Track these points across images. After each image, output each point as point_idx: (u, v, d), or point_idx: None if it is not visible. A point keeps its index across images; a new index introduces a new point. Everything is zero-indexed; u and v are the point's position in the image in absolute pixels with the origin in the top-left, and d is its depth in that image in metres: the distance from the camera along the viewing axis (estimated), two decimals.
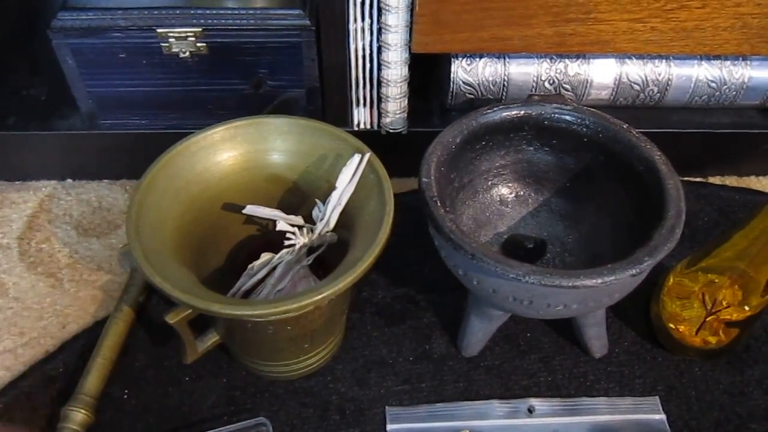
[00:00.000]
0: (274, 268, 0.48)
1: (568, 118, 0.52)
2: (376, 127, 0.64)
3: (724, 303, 0.51)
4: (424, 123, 0.65)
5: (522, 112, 0.52)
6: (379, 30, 0.56)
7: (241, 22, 0.57)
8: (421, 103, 0.66)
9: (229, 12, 0.57)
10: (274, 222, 0.49)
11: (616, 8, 0.53)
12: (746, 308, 0.50)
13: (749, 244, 0.48)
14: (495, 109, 0.52)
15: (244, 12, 0.57)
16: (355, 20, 0.56)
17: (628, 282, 0.43)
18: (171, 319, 0.43)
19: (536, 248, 0.55)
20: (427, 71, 0.66)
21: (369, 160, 0.47)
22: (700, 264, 0.51)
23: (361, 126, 0.64)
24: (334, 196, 0.47)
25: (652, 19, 0.54)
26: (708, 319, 0.51)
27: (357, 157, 0.47)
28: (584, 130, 0.52)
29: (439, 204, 0.46)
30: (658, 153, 0.49)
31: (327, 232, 0.49)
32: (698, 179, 0.71)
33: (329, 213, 0.47)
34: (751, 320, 0.51)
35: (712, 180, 0.71)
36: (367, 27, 0.56)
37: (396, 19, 0.54)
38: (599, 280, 0.41)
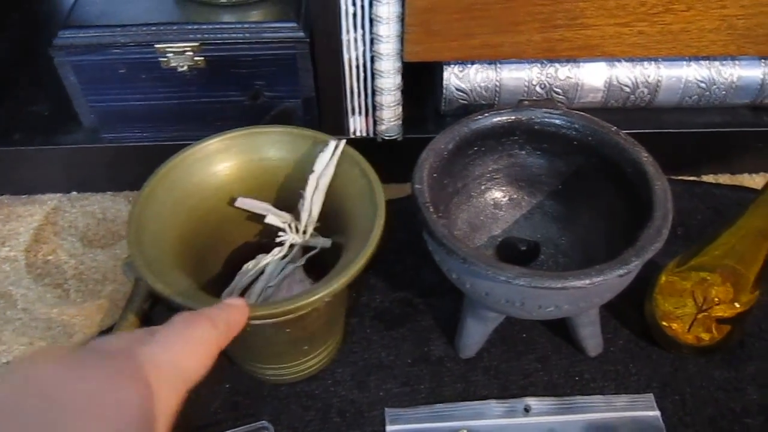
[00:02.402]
0: (266, 267, 0.50)
1: (557, 122, 0.53)
2: (372, 135, 0.65)
3: (715, 300, 0.51)
4: (420, 129, 0.67)
5: (512, 118, 0.54)
6: (372, 40, 0.57)
7: (236, 35, 0.58)
8: (416, 109, 0.67)
9: (225, 26, 0.58)
10: (272, 228, 0.51)
11: (603, 13, 0.54)
12: (736, 305, 0.51)
13: (737, 241, 0.49)
14: (486, 115, 0.53)
15: (239, 26, 0.58)
16: (348, 31, 0.57)
17: (616, 282, 0.44)
18: None
19: (530, 250, 0.56)
20: (421, 78, 0.67)
21: (361, 166, 0.48)
22: (690, 262, 0.52)
23: (357, 134, 0.65)
24: (311, 180, 0.48)
25: (639, 23, 0.55)
26: (699, 317, 0.52)
27: (333, 143, 0.48)
28: (573, 133, 0.53)
29: (431, 209, 0.47)
30: (646, 155, 0.50)
31: (313, 223, 0.50)
32: (692, 178, 0.72)
33: (309, 198, 0.49)
34: (741, 317, 0.52)
35: (705, 179, 0.72)
36: (359, 37, 0.57)
37: (387, 30, 0.56)
38: (587, 281, 0.42)
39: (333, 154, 0.48)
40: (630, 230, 0.49)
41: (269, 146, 0.50)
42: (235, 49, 0.59)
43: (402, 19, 0.55)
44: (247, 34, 0.58)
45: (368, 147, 0.65)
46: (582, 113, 0.53)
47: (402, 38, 0.56)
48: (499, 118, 0.53)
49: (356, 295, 0.60)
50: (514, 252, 0.56)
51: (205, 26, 0.58)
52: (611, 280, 0.43)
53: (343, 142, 0.49)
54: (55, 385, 0.20)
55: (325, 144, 0.49)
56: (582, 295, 0.45)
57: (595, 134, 0.53)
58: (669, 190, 0.48)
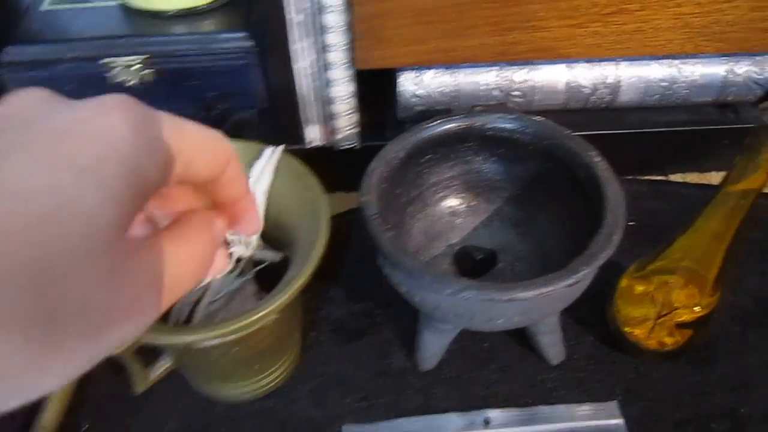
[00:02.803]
0: (209, 284, 0.49)
1: (510, 126, 0.52)
2: (329, 144, 0.64)
3: (676, 304, 0.50)
4: (379, 136, 0.65)
5: (464, 124, 0.53)
6: (322, 48, 0.56)
7: (185, 47, 0.57)
8: (375, 116, 0.66)
9: (173, 38, 0.57)
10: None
11: (555, 15, 0.53)
12: (697, 309, 0.50)
13: (695, 244, 0.48)
14: (437, 122, 0.52)
15: (188, 37, 0.57)
16: (297, 40, 0.56)
17: (566, 292, 0.43)
18: (115, 350, 0.43)
19: (487, 259, 0.54)
20: (379, 84, 0.66)
21: (305, 179, 0.47)
22: (649, 267, 0.51)
23: (314, 143, 0.64)
24: None
25: (592, 24, 0.54)
26: (660, 321, 0.51)
27: (268, 151, 0.47)
28: (527, 138, 0.52)
29: (378, 222, 0.46)
30: (598, 158, 0.49)
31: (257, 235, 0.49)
32: (659, 178, 0.71)
33: None
34: (703, 320, 0.50)
35: (673, 178, 0.71)
36: (310, 46, 0.56)
37: (336, 38, 0.55)
38: (535, 292, 0.41)
39: (269, 161, 0.47)
40: (588, 236, 0.48)
41: None
42: (184, 61, 0.58)
43: (350, 26, 0.54)
44: (196, 45, 0.57)
45: (326, 156, 0.64)
46: (535, 117, 0.52)
47: (352, 46, 0.55)
48: (450, 125, 0.52)
49: (314, 308, 0.59)
50: (471, 261, 0.54)
51: (152, 39, 0.57)
52: (560, 290, 0.42)
53: (280, 149, 0.48)
54: (40, 107, 0.20)
55: (292, 168, 0.48)
56: (532, 306, 0.44)
57: (549, 138, 0.52)
58: (622, 195, 0.47)
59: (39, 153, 0.18)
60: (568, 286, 0.42)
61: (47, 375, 0.18)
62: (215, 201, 0.25)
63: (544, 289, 0.41)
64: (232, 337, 0.42)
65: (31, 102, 0.20)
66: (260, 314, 0.42)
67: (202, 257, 0.22)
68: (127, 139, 0.19)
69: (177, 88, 0.59)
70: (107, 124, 0.19)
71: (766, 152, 0.40)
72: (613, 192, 0.47)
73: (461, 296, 0.41)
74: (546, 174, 0.53)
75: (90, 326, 0.18)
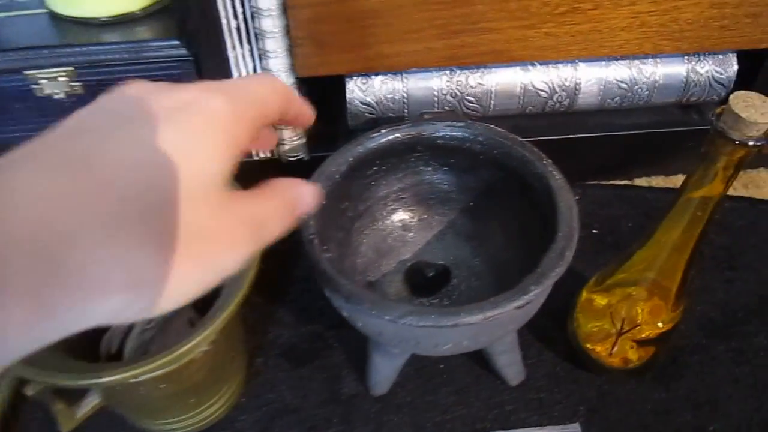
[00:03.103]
0: None
1: (460, 135, 0.49)
2: (276, 156, 0.61)
3: (638, 320, 0.48)
4: (330, 147, 0.61)
5: (412, 133, 0.49)
6: (261, 55, 0.53)
7: (114, 57, 0.54)
8: (325, 126, 0.63)
9: (101, 48, 0.53)
10: None
11: (504, 16, 0.50)
12: (660, 324, 0.47)
13: (656, 254, 0.45)
14: (382, 131, 0.49)
15: (116, 46, 0.53)
16: (234, 47, 0.52)
17: (517, 314, 0.40)
18: (29, 391, 0.40)
19: (440, 275, 0.51)
20: (329, 92, 0.63)
21: None
22: (609, 280, 0.48)
23: (261, 155, 0.61)
24: None
25: (544, 25, 0.52)
26: (621, 339, 0.48)
27: None
28: (478, 147, 0.49)
29: (316, 243, 0.42)
30: (552, 168, 0.46)
31: None
32: (624, 182, 0.69)
33: None
34: (665, 336, 0.48)
35: (638, 182, 0.69)
36: (247, 53, 0.53)
37: (275, 44, 0.51)
38: (481, 317, 0.38)
39: None
40: (541, 250, 0.45)
41: None
42: (114, 72, 0.54)
43: (288, 31, 0.51)
44: (126, 55, 0.53)
45: (273, 169, 0.61)
46: (486, 125, 0.49)
47: (291, 52, 0.52)
48: (396, 135, 0.49)
49: (261, 331, 0.55)
50: (423, 278, 0.51)
51: (78, 49, 0.53)
52: (509, 312, 0.39)
53: None
54: (149, 92, 0.24)
55: None
56: (480, 330, 0.40)
57: (500, 147, 0.49)
58: (575, 207, 0.44)
59: (161, 120, 0.23)
60: (518, 308, 0.39)
61: (171, 285, 0.21)
62: (282, 119, 0.30)
63: (490, 313, 0.38)
64: (156, 373, 0.39)
65: (145, 87, 0.24)
66: (184, 349, 0.38)
67: (284, 212, 0.27)
68: (226, 115, 0.24)
69: None
70: (210, 102, 0.24)
71: (723, 160, 0.37)
72: (566, 204, 0.44)
73: (402, 323, 0.38)
74: (499, 184, 0.50)
75: (203, 246, 0.22)
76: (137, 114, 0.23)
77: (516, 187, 0.49)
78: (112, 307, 0.20)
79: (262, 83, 0.27)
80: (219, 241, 0.23)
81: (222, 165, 0.24)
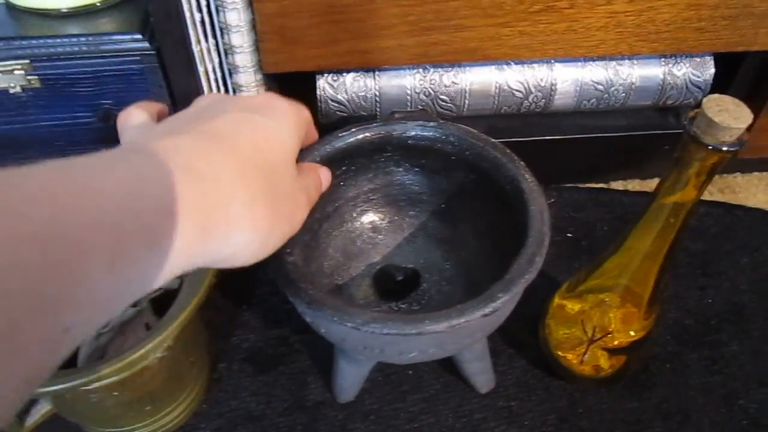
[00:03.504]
0: None
1: (431, 135, 0.48)
2: None
3: (610, 327, 0.47)
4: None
5: (382, 132, 0.48)
6: (226, 51, 0.51)
7: (72, 49, 0.51)
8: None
9: (58, 41, 0.51)
10: None
11: (477, 13, 0.49)
12: (632, 333, 0.46)
13: (628, 260, 0.44)
14: (351, 130, 0.47)
15: (75, 39, 0.51)
16: (198, 41, 0.51)
17: (484, 322, 0.39)
18: None
19: (409, 279, 0.50)
20: (299, 88, 0.61)
21: None
22: (581, 286, 0.47)
23: None
24: None
25: (519, 23, 0.50)
26: (592, 347, 0.47)
27: None
28: (450, 147, 0.48)
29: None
30: (524, 171, 0.45)
31: None
32: (600, 185, 0.68)
33: None
34: (637, 344, 0.47)
35: (615, 185, 0.68)
36: (212, 48, 0.51)
37: (241, 39, 0.50)
38: (446, 324, 0.36)
39: None
40: (512, 255, 0.44)
41: None
42: (72, 65, 0.52)
43: (254, 26, 0.49)
44: (85, 48, 0.51)
45: None
46: (458, 125, 0.48)
47: (258, 47, 0.50)
48: (366, 134, 0.48)
49: (225, 335, 0.54)
50: (392, 283, 0.50)
51: (34, 41, 0.51)
52: (476, 320, 0.37)
53: None
54: (236, 97, 0.33)
55: None
56: (446, 338, 0.39)
57: (472, 148, 0.47)
58: (547, 211, 0.43)
59: (259, 111, 0.30)
60: (485, 315, 0.37)
61: (274, 233, 0.29)
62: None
63: (456, 321, 0.36)
64: (108, 381, 0.37)
65: (220, 95, 0.33)
66: (136, 355, 0.37)
67: (318, 185, 0.36)
68: (293, 112, 0.32)
69: (67, 95, 0.53)
70: (279, 102, 0.32)
71: (696, 166, 0.36)
72: (538, 208, 0.42)
73: (365, 330, 0.36)
74: (471, 186, 0.49)
75: (290, 206, 0.31)
76: (236, 107, 0.30)
77: (488, 190, 0.47)
78: (239, 241, 0.27)
79: (297, 104, 0.34)
80: (296, 202, 0.32)
81: (296, 145, 0.32)
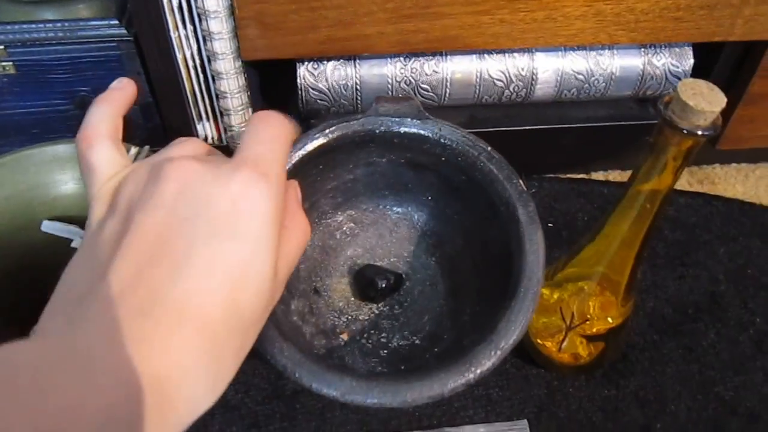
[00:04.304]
0: None
1: (420, 134, 0.46)
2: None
3: (589, 315, 0.47)
4: None
5: (364, 132, 0.45)
6: (204, 37, 0.50)
7: (48, 35, 0.51)
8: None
9: (34, 26, 0.51)
10: None
11: (458, 1, 0.49)
12: (609, 320, 0.47)
13: (606, 248, 0.44)
14: (332, 128, 0.45)
15: (51, 25, 0.51)
16: (176, 28, 0.50)
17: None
18: None
19: (391, 283, 0.49)
20: (280, 75, 0.61)
21: None
22: (559, 274, 0.47)
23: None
24: None
25: (499, 11, 0.50)
26: (570, 334, 0.47)
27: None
28: (439, 149, 0.45)
29: None
30: (524, 194, 0.42)
31: None
32: (581, 176, 0.68)
33: None
34: (615, 331, 0.47)
35: (595, 176, 0.68)
36: (191, 34, 0.51)
37: (219, 25, 0.49)
38: (427, 396, 0.35)
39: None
40: (504, 263, 0.42)
41: (63, 164, 0.43)
42: (47, 51, 0.51)
43: (233, 12, 0.48)
44: (60, 34, 0.51)
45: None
46: (451, 125, 0.46)
47: (236, 34, 0.50)
48: (346, 131, 0.45)
49: None
50: (374, 290, 0.48)
51: (9, 27, 0.50)
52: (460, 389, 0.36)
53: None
54: (204, 187, 0.27)
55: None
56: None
57: (465, 156, 0.45)
58: (543, 247, 0.41)
59: (222, 233, 0.26)
60: (468, 381, 0.36)
61: (237, 368, 0.28)
62: None
63: (439, 392, 0.35)
64: None
65: (190, 177, 0.28)
66: None
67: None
68: (267, 193, 0.28)
69: (43, 82, 0.53)
70: (256, 197, 0.27)
71: (672, 151, 0.36)
72: (533, 247, 0.40)
73: (345, 399, 0.35)
74: (459, 183, 0.47)
75: (258, 328, 0.29)
76: (206, 228, 0.26)
77: (480, 195, 0.46)
78: (203, 410, 0.27)
79: (282, 131, 0.32)
80: (268, 311, 0.29)
81: (273, 250, 0.28)
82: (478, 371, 0.36)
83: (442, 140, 0.45)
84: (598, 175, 0.68)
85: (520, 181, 0.43)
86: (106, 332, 0.23)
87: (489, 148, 0.45)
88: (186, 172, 0.28)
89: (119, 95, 0.36)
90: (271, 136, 0.31)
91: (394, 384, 0.35)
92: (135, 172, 0.29)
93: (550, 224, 0.62)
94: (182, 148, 0.32)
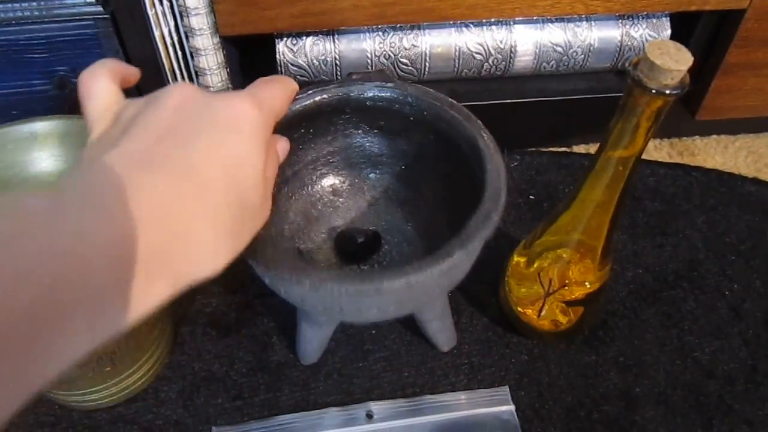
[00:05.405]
0: None
1: (389, 95, 0.48)
2: None
3: (567, 280, 0.47)
4: None
5: (339, 94, 0.48)
6: (181, 13, 0.50)
7: (24, 14, 0.51)
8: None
9: (9, 5, 0.50)
10: None
11: None
12: (587, 284, 0.47)
13: (582, 214, 0.45)
14: (308, 92, 0.47)
15: (26, 4, 0.51)
16: (153, 5, 0.50)
17: (442, 278, 0.39)
18: None
19: (370, 241, 0.50)
20: (260, 50, 0.61)
21: None
22: (537, 242, 0.48)
23: None
24: None
25: None
26: (549, 300, 0.47)
27: None
28: (408, 108, 0.48)
29: None
30: (482, 130, 0.44)
31: None
32: (563, 149, 0.68)
33: None
34: (593, 296, 0.48)
35: (577, 149, 0.69)
36: (167, 11, 0.51)
37: (196, 0, 0.49)
38: (403, 281, 0.36)
39: None
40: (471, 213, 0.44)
41: (42, 143, 0.43)
42: (24, 30, 0.51)
43: None
44: (35, 12, 0.51)
45: None
46: (416, 85, 0.48)
47: (213, 9, 0.50)
48: (323, 96, 0.47)
49: (188, 299, 0.54)
50: (354, 245, 0.50)
51: None
52: (434, 277, 0.37)
53: None
54: (204, 100, 0.31)
55: None
56: (404, 296, 0.39)
57: (430, 108, 0.47)
58: (503, 168, 0.43)
59: (226, 130, 0.30)
60: (442, 273, 0.37)
61: (240, 249, 0.31)
62: None
63: (414, 277, 0.37)
64: None
65: (188, 93, 0.31)
66: None
67: (276, 163, 0.37)
68: (258, 118, 0.31)
69: (20, 62, 0.53)
70: (246, 110, 0.31)
71: (641, 112, 0.37)
72: (494, 166, 0.43)
73: (322, 289, 0.36)
74: (430, 148, 0.49)
75: (259, 214, 0.33)
76: (208, 123, 0.29)
77: (446, 150, 0.47)
78: (204, 273, 0.28)
79: (283, 89, 0.36)
80: (263, 207, 0.33)
81: (263, 159, 0.31)
82: (450, 259, 0.37)
83: (408, 98, 0.47)
84: (580, 149, 0.69)
85: (478, 122, 0.45)
86: (114, 180, 0.25)
87: (450, 100, 0.46)
88: (186, 89, 0.31)
89: (117, 62, 0.36)
90: (272, 90, 0.35)
91: (371, 275, 0.37)
92: (135, 101, 0.31)
93: (531, 196, 0.62)
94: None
